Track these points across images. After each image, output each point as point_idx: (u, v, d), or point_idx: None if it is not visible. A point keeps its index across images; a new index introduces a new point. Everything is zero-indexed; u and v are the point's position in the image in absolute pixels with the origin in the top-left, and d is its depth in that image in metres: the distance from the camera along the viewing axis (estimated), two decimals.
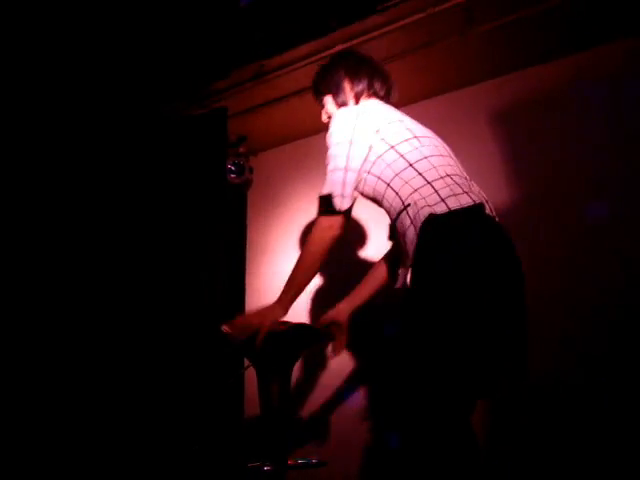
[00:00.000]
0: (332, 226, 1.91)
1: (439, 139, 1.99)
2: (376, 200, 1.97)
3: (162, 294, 3.22)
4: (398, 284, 1.92)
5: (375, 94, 2.10)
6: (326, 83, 2.17)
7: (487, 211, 1.79)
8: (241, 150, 3.66)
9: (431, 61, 2.95)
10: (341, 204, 1.88)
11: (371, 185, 1.93)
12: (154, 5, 3.03)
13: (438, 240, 1.69)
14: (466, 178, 1.89)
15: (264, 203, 3.74)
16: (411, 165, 1.84)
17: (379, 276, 2.23)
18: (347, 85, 2.10)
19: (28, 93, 3.05)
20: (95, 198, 3.21)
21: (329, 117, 2.18)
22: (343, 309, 2.18)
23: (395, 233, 1.91)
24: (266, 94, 3.28)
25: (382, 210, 1.99)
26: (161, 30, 3.07)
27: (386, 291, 2.21)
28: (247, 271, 3.66)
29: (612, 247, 2.59)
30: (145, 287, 3.20)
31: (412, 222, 1.75)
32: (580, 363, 2.49)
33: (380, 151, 1.90)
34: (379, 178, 1.89)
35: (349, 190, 1.90)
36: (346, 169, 1.90)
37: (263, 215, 3.73)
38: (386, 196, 1.88)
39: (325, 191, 1.91)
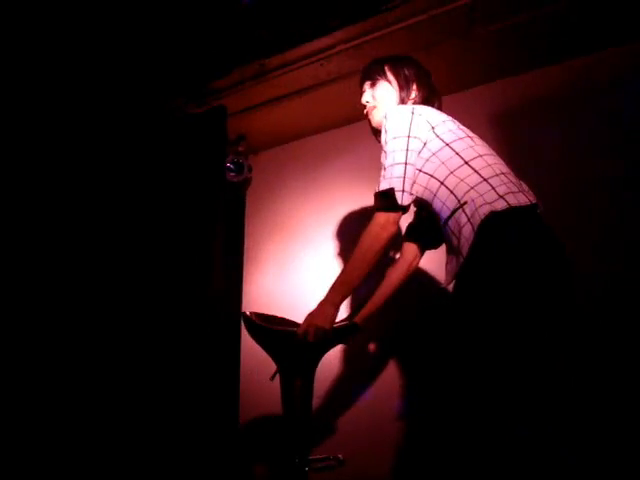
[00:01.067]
0: (391, 223, 1.87)
1: None
2: (424, 200, 1.94)
3: (158, 292, 3.20)
4: (446, 282, 1.86)
5: (420, 100, 2.10)
6: (397, 71, 2.14)
7: (540, 209, 1.79)
8: (240, 149, 3.65)
9: (432, 63, 2.93)
10: (402, 199, 1.85)
11: (422, 184, 1.90)
12: (155, 3, 3.01)
13: (500, 236, 1.67)
14: (516, 177, 1.87)
15: (263, 202, 3.74)
16: (467, 163, 1.82)
17: (394, 282, 2.23)
18: (414, 85, 2.10)
19: (25, 90, 3.04)
20: (93, 195, 3.19)
21: (373, 101, 2.15)
22: (359, 318, 2.19)
23: (445, 233, 1.87)
24: (266, 93, 3.28)
25: None
26: (162, 28, 3.06)
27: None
28: (245, 269, 3.66)
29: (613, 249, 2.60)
30: (142, 284, 3.19)
31: (469, 220, 1.72)
32: None
33: (435, 148, 1.88)
34: (432, 176, 1.87)
35: (409, 185, 1.87)
36: (406, 163, 1.87)
37: (261, 214, 3.72)
38: (438, 195, 1.85)
39: (385, 186, 1.87)
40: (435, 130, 1.90)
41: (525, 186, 1.86)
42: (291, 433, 2.15)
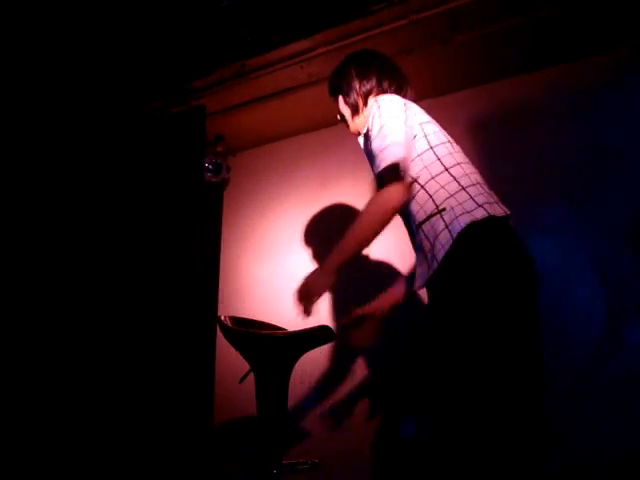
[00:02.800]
0: (400, 192, 1.78)
1: None
2: None
3: (132, 291, 3.18)
4: (417, 286, 1.83)
5: (384, 92, 2.06)
6: (338, 83, 2.15)
7: (512, 223, 1.82)
8: (219, 149, 3.63)
9: (412, 67, 2.95)
10: (406, 170, 1.80)
11: None
12: (135, 3, 2.99)
13: (479, 247, 1.69)
14: (489, 187, 1.88)
15: (241, 202, 3.73)
16: (447, 170, 1.82)
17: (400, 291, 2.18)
18: (356, 84, 2.08)
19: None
20: (72, 192, 3.15)
21: (341, 117, 2.17)
22: (376, 306, 2.14)
23: (416, 235, 1.86)
24: (246, 94, 3.27)
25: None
26: (143, 28, 3.03)
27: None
28: (221, 270, 3.64)
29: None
30: (115, 282, 3.16)
31: (447, 227, 1.72)
32: None
33: (420, 149, 1.86)
34: (414, 178, 1.85)
35: (409, 164, 1.82)
36: (406, 145, 1.83)
37: (239, 214, 3.71)
38: (417, 197, 1.84)
39: (387, 162, 1.79)
40: (423, 127, 1.89)
41: (496, 197, 1.87)
42: (265, 436, 2.15)
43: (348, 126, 2.17)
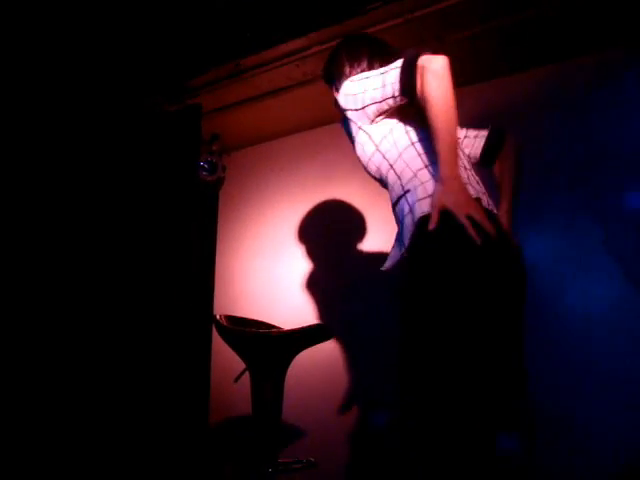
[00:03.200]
0: (434, 58, 1.73)
1: None
2: (377, 180, 1.91)
3: (128, 290, 3.17)
4: (386, 267, 1.80)
5: None
6: (330, 70, 2.11)
7: (484, 204, 1.74)
8: (215, 148, 3.63)
9: None
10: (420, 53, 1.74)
11: (375, 162, 1.87)
12: (132, 2, 2.98)
13: (437, 234, 1.61)
14: (465, 167, 1.83)
15: (236, 201, 3.73)
16: (412, 144, 1.80)
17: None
18: (347, 69, 2.03)
19: None
20: (63, 191, 3.14)
21: (336, 104, 2.07)
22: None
23: (395, 217, 1.84)
24: (242, 93, 3.27)
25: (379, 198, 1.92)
26: (140, 27, 3.03)
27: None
28: (217, 269, 3.64)
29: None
30: (111, 283, 3.15)
31: (411, 211, 1.70)
32: None
33: (391, 123, 1.84)
34: (384, 157, 1.84)
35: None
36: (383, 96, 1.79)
37: (235, 213, 3.71)
38: (389, 178, 1.83)
39: (406, 58, 1.74)
40: (396, 99, 1.81)
41: (474, 178, 1.82)
42: (261, 435, 2.15)
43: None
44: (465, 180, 1.73)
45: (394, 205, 1.82)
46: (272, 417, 2.14)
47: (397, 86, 1.77)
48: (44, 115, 3.08)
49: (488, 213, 1.71)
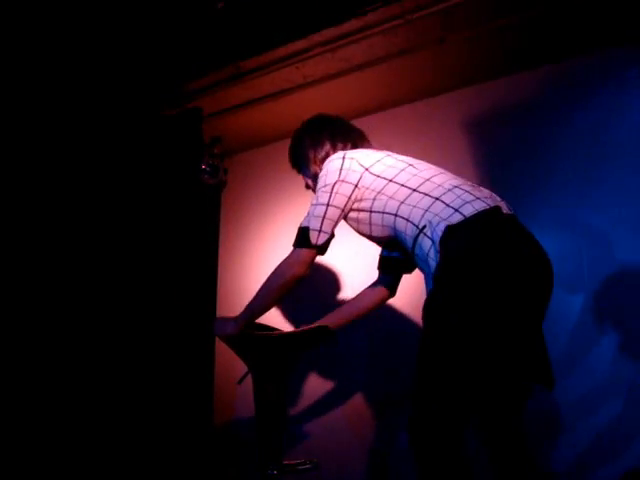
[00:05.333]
0: (300, 262, 1.91)
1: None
2: (389, 238, 1.94)
3: (131, 293, 3.18)
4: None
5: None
6: (296, 158, 2.23)
7: (505, 211, 1.78)
8: (216, 151, 3.63)
9: (408, 68, 2.97)
10: (317, 239, 1.89)
11: (378, 224, 1.91)
12: (130, 5, 2.98)
13: (459, 245, 1.67)
14: (473, 185, 1.87)
15: (238, 205, 3.73)
16: (415, 190, 1.83)
17: (364, 305, 2.23)
18: (311, 154, 2.14)
19: None
20: (65, 196, 3.15)
21: (308, 187, 2.26)
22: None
23: (417, 264, 1.88)
24: (242, 95, 3.27)
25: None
26: (138, 30, 3.03)
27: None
28: (220, 273, 3.64)
29: None
30: (114, 286, 3.15)
31: (432, 241, 1.71)
32: None
33: (378, 187, 1.89)
34: (384, 212, 1.88)
35: (328, 227, 1.91)
36: (328, 204, 1.90)
37: (237, 216, 3.71)
38: (397, 227, 1.85)
39: (303, 224, 1.93)
40: (371, 170, 1.92)
41: (486, 191, 1.87)
42: (265, 437, 2.15)
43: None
44: (477, 195, 1.79)
45: (413, 248, 1.82)
46: (276, 419, 2.14)
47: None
48: (43, 120, 3.08)
49: (512, 219, 1.78)
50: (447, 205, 1.74)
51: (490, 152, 2.86)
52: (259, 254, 3.55)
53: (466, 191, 1.79)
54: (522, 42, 2.78)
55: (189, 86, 3.26)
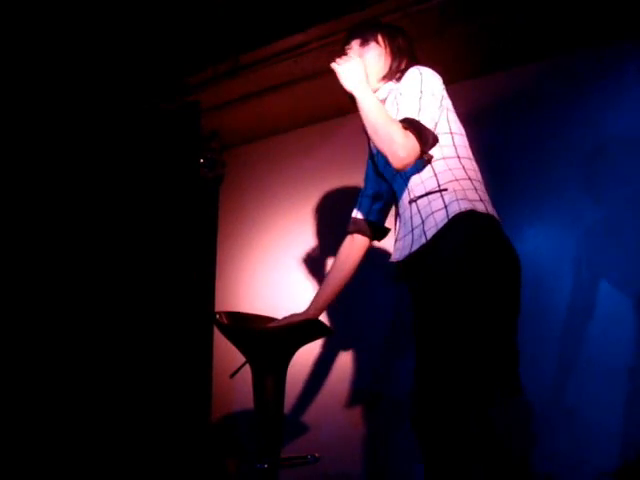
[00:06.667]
0: (410, 154, 1.69)
1: None
2: (408, 169, 1.79)
3: (129, 288, 3.18)
4: (394, 258, 1.84)
5: (416, 61, 2.01)
6: (391, 40, 2.00)
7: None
8: (214, 145, 3.63)
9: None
10: (429, 142, 1.72)
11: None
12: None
13: (473, 234, 1.70)
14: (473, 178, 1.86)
15: (236, 198, 3.73)
16: (459, 157, 1.82)
17: (342, 275, 2.17)
18: (405, 60, 1.98)
19: None
20: (62, 191, 3.15)
21: (356, 57, 1.92)
22: (312, 315, 2.15)
23: (406, 209, 1.84)
24: (240, 89, 3.26)
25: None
26: (136, 24, 3.02)
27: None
28: (218, 266, 3.64)
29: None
30: (112, 281, 3.16)
31: (445, 207, 1.72)
32: None
33: (440, 130, 1.80)
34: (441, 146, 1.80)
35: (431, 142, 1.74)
36: (434, 129, 1.76)
37: (235, 210, 3.71)
38: (422, 172, 1.80)
39: (422, 121, 1.72)
40: (448, 113, 1.86)
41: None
42: (263, 430, 2.16)
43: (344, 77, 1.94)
44: (484, 190, 1.82)
45: (417, 197, 1.80)
46: (274, 412, 2.14)
47: None
48: (41, 115, 3.07)
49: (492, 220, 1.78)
50: (476, 190, 1.77)
51: (487, 147, 2.85)
52: (257, 247, 3.56)
53: (486, 192, 1.83)
54: (520, 36, 2.78)
55: (188, 80, 3.26)
